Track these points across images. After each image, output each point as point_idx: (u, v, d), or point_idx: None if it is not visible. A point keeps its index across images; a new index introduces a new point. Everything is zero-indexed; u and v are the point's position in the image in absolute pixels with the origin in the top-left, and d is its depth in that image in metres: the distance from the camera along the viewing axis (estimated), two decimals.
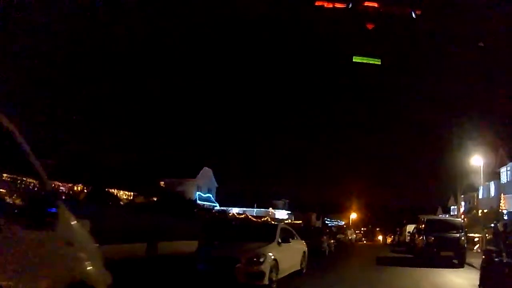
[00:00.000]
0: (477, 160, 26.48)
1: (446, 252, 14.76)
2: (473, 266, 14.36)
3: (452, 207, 57.27)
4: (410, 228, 26.25)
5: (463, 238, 15.19)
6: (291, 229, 11.30)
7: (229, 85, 60.09)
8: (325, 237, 18.50)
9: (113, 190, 27.73)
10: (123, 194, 28.64)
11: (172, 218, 19.60)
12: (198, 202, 45.94)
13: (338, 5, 17.19)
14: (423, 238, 15.31)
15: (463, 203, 51.99)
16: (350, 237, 36.61)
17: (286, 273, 9.48)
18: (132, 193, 30.31)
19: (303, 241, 11.65)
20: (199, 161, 49.42)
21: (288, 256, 9.65)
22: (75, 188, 24.32)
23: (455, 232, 15.43)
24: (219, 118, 66.86)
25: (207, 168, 50.67)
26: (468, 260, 14.88)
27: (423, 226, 16.36)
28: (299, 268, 10.61)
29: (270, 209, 53.93)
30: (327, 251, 18.41)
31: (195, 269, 8.44)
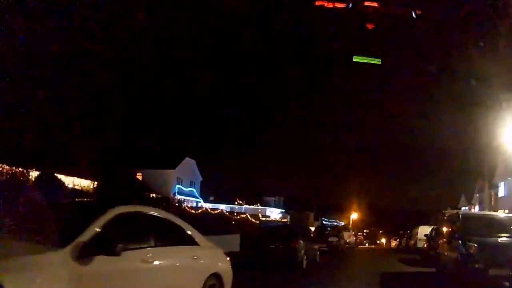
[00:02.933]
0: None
1: (498, 270, 8.72)
2: None
3: (463, 208, 51.91)
4: (424, 230, 20.59)
5: None
6: (168, 218, 5.02)
7: (227, 82, 57.28)
8: (301, 242, 12.16)
9: (68, 177, 24.87)
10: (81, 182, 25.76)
11: None
12: (178, 196, 40.96)
13: (338, 5, 17.00)
14: (457, 245, 9.27)
15: (477, 206, 46.76)
16: (348, 240, 30.33)
17: None
18: (94, 182, 27.68)
19: (218, 250, 5.63)
20: (180, 151, 43.93)
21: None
22: (30, 174, 22.88)
23: (507, 236, 9.43)
24: (212, 111, 61.92)
25: (189, 159, 44.85)
26: None
27: (455, 227, 10.31)
28: None
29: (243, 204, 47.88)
30: (304, 262, 12.24)
31: None
